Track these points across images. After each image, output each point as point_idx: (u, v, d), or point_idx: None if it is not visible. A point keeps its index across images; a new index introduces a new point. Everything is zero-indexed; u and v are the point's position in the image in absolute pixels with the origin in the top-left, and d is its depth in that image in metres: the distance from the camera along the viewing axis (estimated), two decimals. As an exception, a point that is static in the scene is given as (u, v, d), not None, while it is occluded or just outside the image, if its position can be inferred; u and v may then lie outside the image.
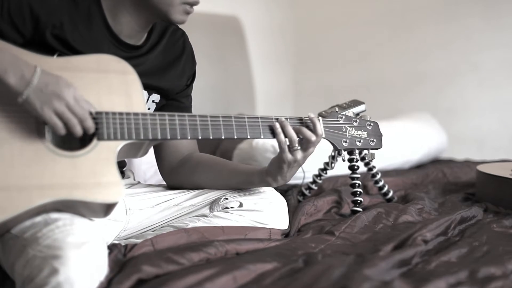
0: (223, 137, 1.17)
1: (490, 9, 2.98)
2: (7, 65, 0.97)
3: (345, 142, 1.31)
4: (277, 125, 1.21)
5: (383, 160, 2.15)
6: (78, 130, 1.02)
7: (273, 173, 1.25)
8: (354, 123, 1.34)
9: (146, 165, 1.88)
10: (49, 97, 0.98)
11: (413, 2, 3.28)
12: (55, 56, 1.12)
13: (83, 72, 1.08)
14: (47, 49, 1.12)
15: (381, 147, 1.37)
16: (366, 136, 1.34)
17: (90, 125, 1.03)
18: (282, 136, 1.20)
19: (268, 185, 1.28)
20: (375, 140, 1.36)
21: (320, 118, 1.29)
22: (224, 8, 3.08)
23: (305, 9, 3.77)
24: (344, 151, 1.34)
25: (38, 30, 1.12)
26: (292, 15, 3.77)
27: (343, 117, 1.33)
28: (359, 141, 1.33)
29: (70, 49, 1.15)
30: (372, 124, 1.36)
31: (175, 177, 1.37)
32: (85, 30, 1.17)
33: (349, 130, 1.32)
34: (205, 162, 1.35)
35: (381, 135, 1.37)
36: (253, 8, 3.47)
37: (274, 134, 1.22)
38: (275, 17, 3.69)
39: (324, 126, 1.28)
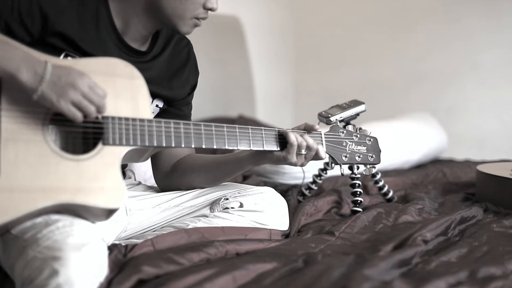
0: (226, 147, 1.18)
1: (490, 9, 2.97)
2: (20, 62, 0.97)
3: (345, 157, 1.33)
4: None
5: (383, 160, 2.14)
6: (94, 116, 1.03)
7: (261, 163, 1.28)
8: (355, 138, 1.36)
9: (146, 165, 1.87)
10: (64, 89, 0.98)
11: (414, 2, 3.27)
12: (61, 57, 1.13)
13: (91, 74, 1.07)
14: (54, 49, 1.13)
15: (379, 162, 1.40)
16: (365, 151, 1.37)
17: (105, 111, 1.04)
18: (294, 139, 1.22)
19: (246, 167, 1.30)
20: (374, 156, 1.38)
21: (322, 132, 1.30)
22: (224, 8, 3.07)
23: (305, 9, 3.77)
24: (343, 165, 1.35)
25: (46, 29, 1.12)
26: (292, 15, 3.77)
27: (344, 131, 1.35)
28: (359, 156, 1.36)
29: (77, 49, 1.15)
30: (371, 139, 1.38)
31: (168, 182, 1.38)
32: (92, 31, 1.17)
33: (349, 145, 1.34)
34: (194, 163, 1.35)
35: (380, 151, 1.40)
36: (253, 8, 3.47)
37: (280, 141, 1.23)
38: (275, 17, 3.68)
39: (325, 140, 1.31)
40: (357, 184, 1.54)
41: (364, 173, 1.44)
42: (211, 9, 1.22)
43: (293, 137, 1.21)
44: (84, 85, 1.00)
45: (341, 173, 1.37)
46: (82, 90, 1.00)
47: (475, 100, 3.04)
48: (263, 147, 1.22)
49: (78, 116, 1.00)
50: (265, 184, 1.91)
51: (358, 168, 1.56)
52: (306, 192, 1.75)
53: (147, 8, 1.20)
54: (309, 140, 1.24)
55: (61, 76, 0.99)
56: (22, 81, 0.97)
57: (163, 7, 1.19)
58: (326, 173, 1.74)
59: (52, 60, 1.03)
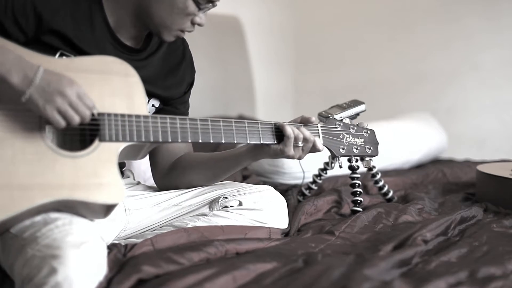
0: (223, 141, 1.18)
1: (490, 9, 2.97)
2: (11, 65, 0.97)
3: (343, 149, 1.33)
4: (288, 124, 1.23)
5: (383, 160, 2.15)
6: (77, 125, 1.02)
7: (259, 157, 1.28)
8: (352, 131, 1.35)
9: (145, 165, 1.87)
10: (51, 95, 0.98)
11: (413, 2, 3.27)
12: (57, 56, 1.13)
13: (86, 73, 1.08)
14: (49, 48, 1.13)
15: (377, 154, 1.40)
16: (363, 143, 1.36)
17: (88, 121, 1.04)
18: (291, 131, 1.21)
19: (244, 162, 1.31)
20: (371, 148, 1.38)
21: (319, 125, 1.30)
22: (224, 8, 3.06)
23: (305, 9, 3.77)
24: (341, 157, 1.35)
25: (40, 29, 1.12)
26: (292, 15, 3.77)
27: (341, 124, 1.35)
28: (356, 148, 1.35)
29: (72, 47, 1.15)
30: (369, 132, 1.38)
31: (167, 181, 1.38)
32: (87, 29, 1.17)
33: (347, 137, 1.34)
34: (193, 161, 1.35)
35: (378, 143, 1.39)
36: (253, 8, 3.47)
37: (277, 135, 1.23)
38: (275, 17, 3.68)
39: (322, 133, 1.30)
40: (357, 184, 1.54)
41: (362, 165, 1.44)
42: (199, 25, 1.22)
43: (290, 130, 1.21)
44: (72, 93, 1.00)
45: (340, 166, 1.36)
46: (69, 98, 0.99)
47: (475, 100, 3.04)
48: (260, 141, 1.22)
49: (62, 124, 1.00)
50: (265, 184, 1.90)
51: (358, 168, 1.55)
52: (306, 192, 1.75)
53: (136, 12, 1.21)
54: (306, 132, 1.24)
55: (51, 82, 0.99)
56: (12, 83, 0.97)
57: (152, 15, 1.19)
58: (326, 173, 1.73)
59: (46, 63, 1.03)
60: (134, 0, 1.19)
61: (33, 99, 0.98)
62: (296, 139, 1.22)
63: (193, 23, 1.21)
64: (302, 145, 1.24)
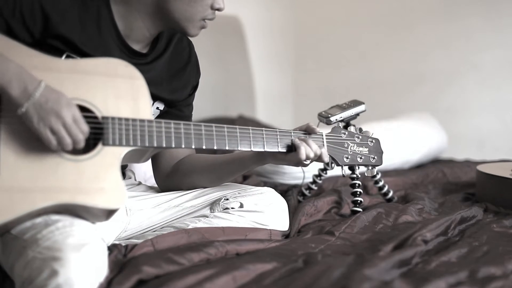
0: (227, 148, 1.18)
1: (490, 9, 2.97)
2: (12, 76, 0.97)
3: (347, 158, 1.33)
4: (302, 142, 1.23)
5: (383, 160, 2.15)
6: (70, 149, 1.01)
7: (263, 163, 1.28)
8: (356, 139, 1.35)
9: (147, 165, 1.87)
10: (47, 113, 0.98)
11: (413, 2, 3.27)
12: (63, 57, 1.12)
13: (91, 75, 1.08)
14: (56, 50, 1.12)
15: (381, 164, 1.40)
16: (367, 152, 1.36)
17: (81, 146, 1.02)
18: (304, 154, 1.22)
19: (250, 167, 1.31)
20: (375, 157, 1.38)
21: (324, 134, 1.30)
22: (224, 8, 3.07)
23: (305, 9, 3.77)
24: (345, 166, 1.35)
25: (48, 30, 1.12)
26: (292, 15, 3.77)
27: (346, 133, 1.34)
28: (360, 158, 1.35)
29: (78, 51, 1.14)
30: (374, 141, 1.38)
31: (169, 183, 1.38)
32: (93, 32, 1.17)
33: (351, 146, 1.34)
34: (195, 163, 1.35)
35: (382, 152, 1.39)
36: (253, 8, 3.47)
37: (289, 146, 1.23)
38: (275, 17, 3.68)
39: (327, 141, 1.30)
40: (357, 184, 1.54)
41: (365, 174, 1.44)
42: (218, 9, 1.23)
43: (303, 153, 1.21)
44: (68, 115, 1.00)
45: (343, 175, 1.37)
46: (64, 119, 0.99)
47: (475, 100, 3.04)
48: (264, 148, 1.22)
49: (53, 143, 0.99)
50: (265, 184, 1.91)
51: (358, 168, 1.55)
52: (306, 192, 1.75)
53: (154, 12, 1.20)
54: (318, 151, 1.23)
55: (49, 100, 0.99)
56: (11, 95, 0.97)
57: (172, 11, 1.19)
58: (326, 173, 1.73)
59: (51, 64, 1.03)
60: (150, 1, 1.19)
61: (28, 113, 0.98)
62: (306, 159, 1.23)
63: (213, 9, 1.22)
64: (309, 162, 1.25)
